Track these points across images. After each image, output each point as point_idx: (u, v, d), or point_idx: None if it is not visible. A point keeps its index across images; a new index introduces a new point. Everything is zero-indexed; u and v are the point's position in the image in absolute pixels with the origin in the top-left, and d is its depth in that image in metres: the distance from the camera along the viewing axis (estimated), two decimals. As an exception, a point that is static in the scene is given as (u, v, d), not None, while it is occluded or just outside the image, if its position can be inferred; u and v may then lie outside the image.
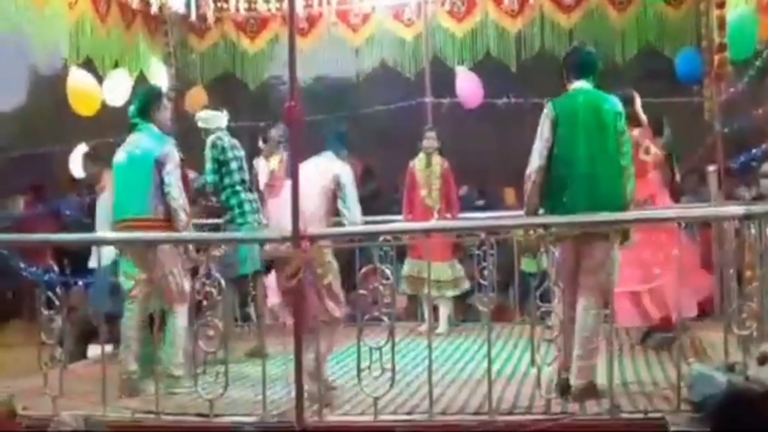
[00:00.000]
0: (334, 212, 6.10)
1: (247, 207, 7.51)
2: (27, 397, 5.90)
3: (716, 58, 8.00)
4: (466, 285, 8.86)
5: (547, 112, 5.75)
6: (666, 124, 7.99)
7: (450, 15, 9.53)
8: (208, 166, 7.50)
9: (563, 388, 5.56)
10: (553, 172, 5.72)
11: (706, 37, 8.68)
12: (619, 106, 5.79)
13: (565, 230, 5.63)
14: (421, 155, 8.86)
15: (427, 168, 8.79)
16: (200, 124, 7.65)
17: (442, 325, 8.71)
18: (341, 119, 7.00)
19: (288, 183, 5.65)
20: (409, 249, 8.70)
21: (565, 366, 5.59)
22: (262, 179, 7.83)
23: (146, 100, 6.68)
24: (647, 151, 7.56)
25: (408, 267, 8.80)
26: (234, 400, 5.76)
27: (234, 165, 7.51)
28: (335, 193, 6.05)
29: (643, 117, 7.50)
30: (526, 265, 8.86)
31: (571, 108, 5.76)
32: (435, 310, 8.62)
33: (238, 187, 7.51)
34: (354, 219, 6.05)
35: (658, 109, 8.49)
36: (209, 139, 7.54)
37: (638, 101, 7.46)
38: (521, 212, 6.09)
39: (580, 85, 5.85)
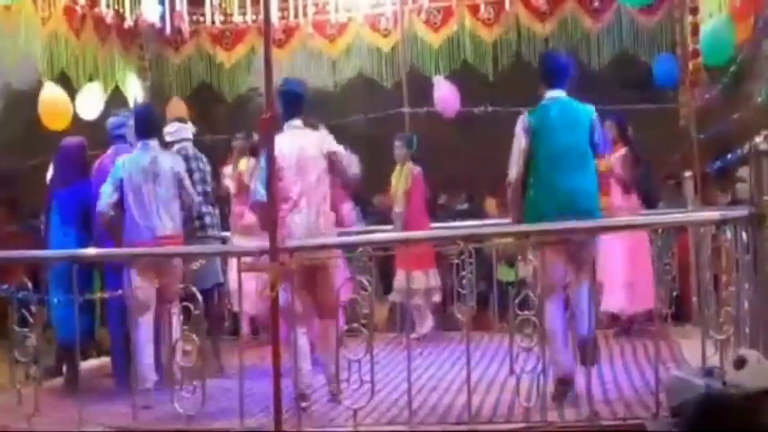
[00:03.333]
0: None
1: (207, 220, 7.43)
2: (2, 414, 5.84)
3: (690, 64, 8.05)
4: (437, 297, 8.74)
5: (523, 120, 5.79)
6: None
7: (426, 25, 9.56)
8: None
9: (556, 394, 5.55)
10: (531, 181, 5.74)
11: (681, 43, 8.73)
12: (594, 114, 5.83)
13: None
14: (398, 166, 8.77)
15: (398, 178, 8.66)
16: (167, 138, 7.46)
17: (425, 326, 8.61)
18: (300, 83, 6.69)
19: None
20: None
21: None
22: (231, 186, 7.82)
23: (152, 117, 6.92)
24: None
25: (396, 278, 8.76)
26: (212, 412, 5.73)
27: (196, 176, 7.34)
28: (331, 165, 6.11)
29: None
30: (503, 274, 8.90)
31: (547, 118, 5.78)
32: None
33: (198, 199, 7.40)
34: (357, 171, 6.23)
35: (633, 115, 8.54)
36: (173, 150, 7.36)
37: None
38: (501, 221, 6.08)
39: (555, 94, 5.86)
